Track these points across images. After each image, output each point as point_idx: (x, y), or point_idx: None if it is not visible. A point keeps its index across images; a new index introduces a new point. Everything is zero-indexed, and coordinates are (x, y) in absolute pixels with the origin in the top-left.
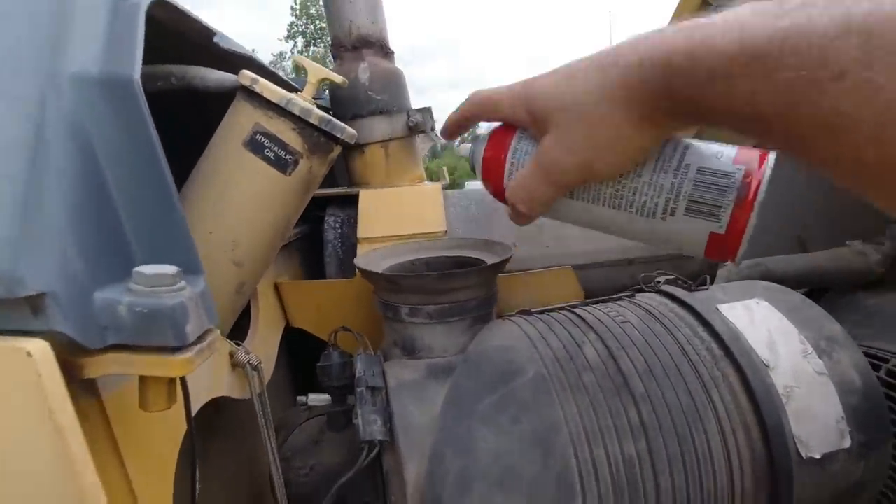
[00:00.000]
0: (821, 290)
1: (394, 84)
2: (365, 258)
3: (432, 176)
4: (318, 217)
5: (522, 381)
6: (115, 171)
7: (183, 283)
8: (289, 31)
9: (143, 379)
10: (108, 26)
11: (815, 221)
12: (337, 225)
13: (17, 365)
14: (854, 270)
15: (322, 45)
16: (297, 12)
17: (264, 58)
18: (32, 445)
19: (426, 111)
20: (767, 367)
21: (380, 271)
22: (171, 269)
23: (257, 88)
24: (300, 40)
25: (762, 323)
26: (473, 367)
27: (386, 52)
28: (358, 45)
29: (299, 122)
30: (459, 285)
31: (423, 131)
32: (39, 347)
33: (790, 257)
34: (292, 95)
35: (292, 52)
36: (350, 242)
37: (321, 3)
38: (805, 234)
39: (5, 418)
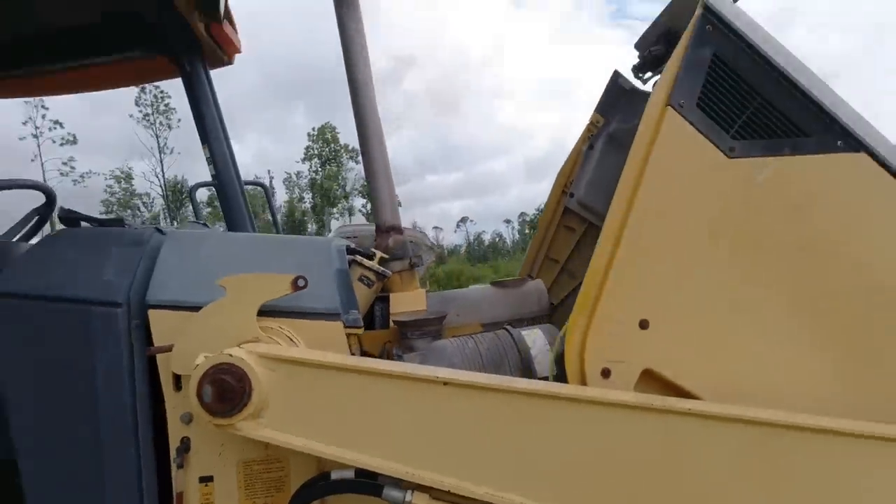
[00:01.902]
0: None
1: (402, 247)
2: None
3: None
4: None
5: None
6: None
7: None
8: (306, 152)
9: None
10: None
11: None
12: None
13: None
14: None
15: (335, 164)
16: (315, 136)
17: (279, 177)
18: None
19: (419, 242)
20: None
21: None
22: None
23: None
24: (316, 161)
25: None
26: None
27: (401, 230)
28: (388, 229)
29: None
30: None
31: (417, 265)
32: None
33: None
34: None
35: (309, 172)
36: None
37: (336, 128)
38: None
39: None
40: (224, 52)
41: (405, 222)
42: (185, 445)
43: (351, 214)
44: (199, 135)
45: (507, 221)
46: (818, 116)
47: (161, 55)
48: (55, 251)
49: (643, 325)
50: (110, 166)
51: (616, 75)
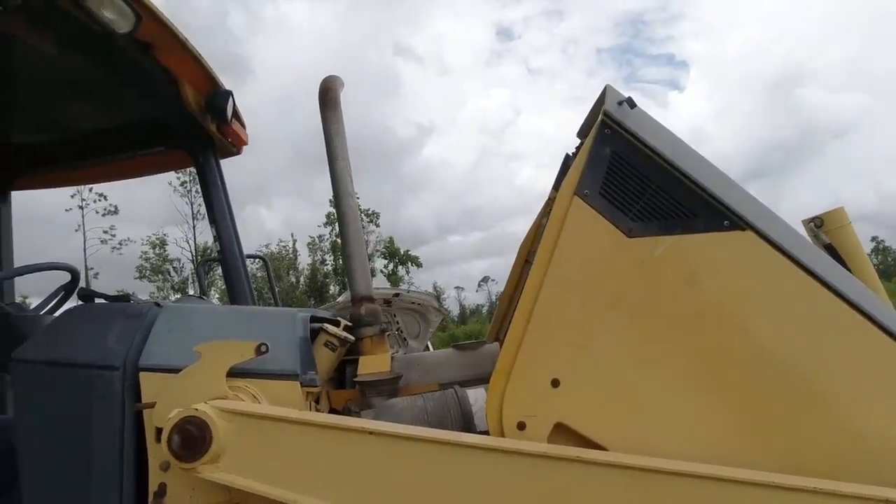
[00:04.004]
0: None
1: (373, 314)
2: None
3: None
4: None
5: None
6: None
7: None
8: (328, 218)
9: None
10: None
11: None
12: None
13: None
14: None
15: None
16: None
17: (302, 240)
18: None
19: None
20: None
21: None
22: None
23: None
24: (337, 225)
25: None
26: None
27: (373, 300)
28: (361, 299)
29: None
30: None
31: (386, 331)
32: None
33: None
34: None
35: (330, 235)
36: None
37: (357, 196)
38: None
39: None
40: (233, 145)
41: (426, 283)
42: (161, 490)
43: (373, 275)
44: (209, 216)
45: None
46: (704, 199)
47: (177, 150)
48: (70, 323)
49: (554, 383)
50: (148, 233)
51: (566, 158)
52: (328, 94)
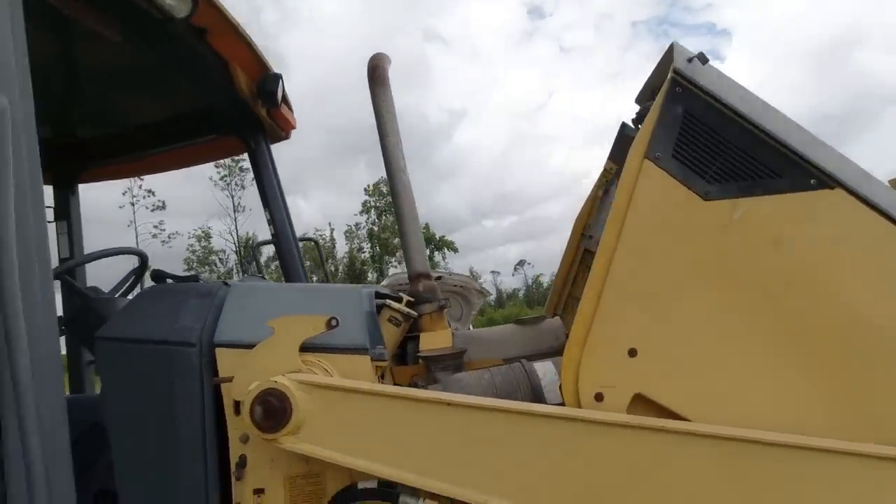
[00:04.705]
0: None
1: (431, 291)
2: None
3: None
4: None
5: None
6: None
7: None
8: (364, 206)
9: None
10: None
11: None
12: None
13: None
14: None
15: (391, 216)
16: (371, 190)
17: (340, 229)
18: None
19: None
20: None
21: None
22: None
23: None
24: (374, 213)
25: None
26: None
27: (429, 276)
28: (418, 276)
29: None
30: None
31: (445, 307)
32: None
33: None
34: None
35: (366, 223)
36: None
37: None
38: None
39: None
40: (282, 129)
41: (462, 268)
42: (242, 461)
43: None
44: (262, 200)
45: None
46: (788, 157)
47: (229, 136)
48: (146, 303)
49: (632, 353)
50: (193, 226)
51: (623, 126)
52: (376, 71)
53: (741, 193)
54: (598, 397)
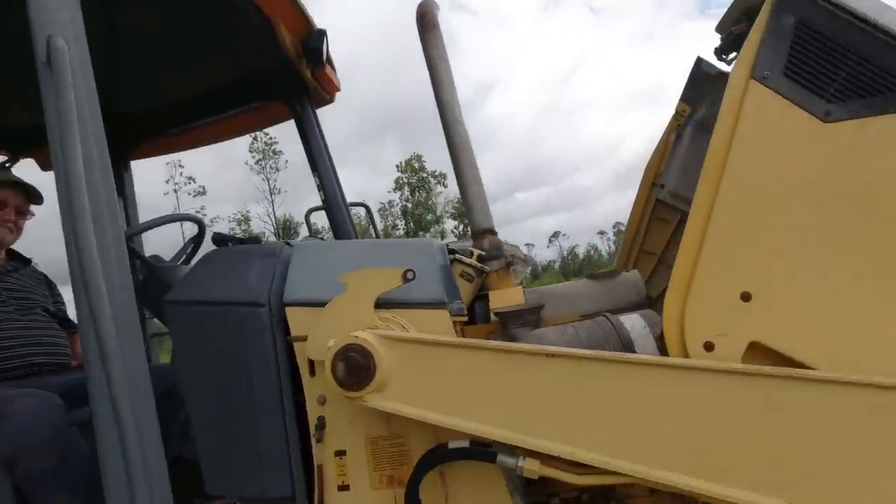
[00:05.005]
0: None
1: (497, 247)
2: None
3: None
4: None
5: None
6: None
7: None
8: (396, 183)
9: None
10: None
11: None
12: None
13: None
14: None
15: (424, 191)
16: (403, 167)
17: (373, 206)
18: None
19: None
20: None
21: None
22: None
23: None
24: (406, 189)
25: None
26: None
27: (494, 232)
28: (483, 232)
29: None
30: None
31: (513, 265)
32: None
33: None
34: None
35: (400, 201)
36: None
37: (422, 157)
38: None
39: None
40: (326, 91)
41: None
42: (321, 423)
43: (443, 237)
44: (310, 165)
45: (602, 233)
46: None
47: (275, 102)
48: (212, 265)
49: (745, 297)
50: (232, 211)
51: (699, 61)
52: (426, 18)
53: (869, 111)
54: (708, 347)
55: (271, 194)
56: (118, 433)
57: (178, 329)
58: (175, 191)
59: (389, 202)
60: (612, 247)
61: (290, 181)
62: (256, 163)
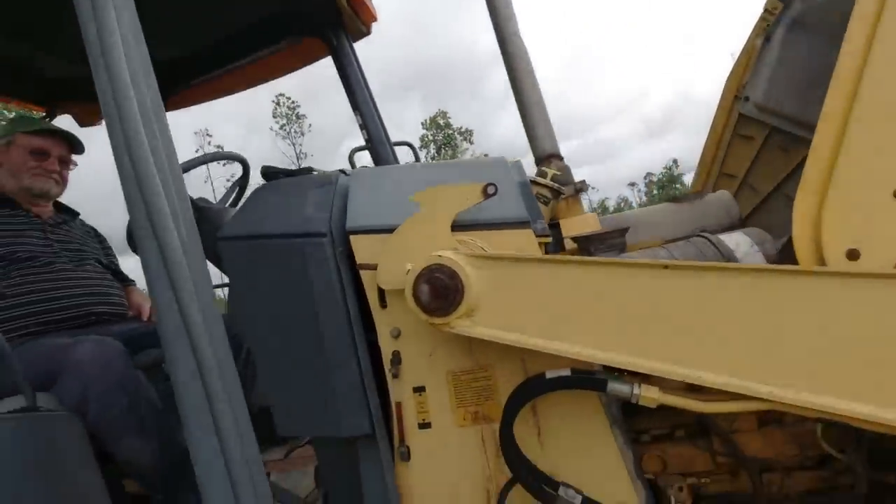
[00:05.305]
0: None
1: (565, 172)
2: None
3: None
4: None
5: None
6: None
7: None
8: (422, 140)
9: None
10: None
11: None
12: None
13: None
14: None
15: (450, 149)
16: (428, 124)
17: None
18: None
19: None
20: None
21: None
22: None
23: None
24: (432, 147)
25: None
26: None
27: (560, 157)
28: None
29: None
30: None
31: (582, 190)
32: None
33: None
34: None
35: (426, 159)
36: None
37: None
38: None
39: None
40: (363, 21)
41: None
42: (396, 358)
43: None
44: (350, 103)
45: (632, 184)
46: None
47: (309, 37)
48: (265, 199)
49: None
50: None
51: None
52: None
53: None
54: (852, 255)
55: (298, 159)
56: (200, 375)
57: (234, 267)
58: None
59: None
60: (644, 198)
61: (315, 145)
62: (281, 128)
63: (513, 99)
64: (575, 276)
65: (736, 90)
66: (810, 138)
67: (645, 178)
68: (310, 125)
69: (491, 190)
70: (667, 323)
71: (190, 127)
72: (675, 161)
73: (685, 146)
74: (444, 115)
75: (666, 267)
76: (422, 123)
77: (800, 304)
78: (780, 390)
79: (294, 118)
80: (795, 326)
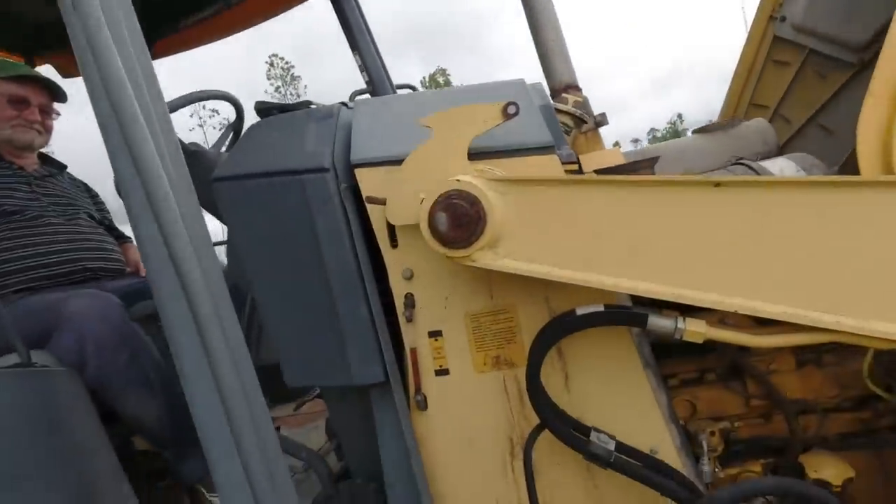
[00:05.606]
0: None
1: (582, 105)
2: None
3: None
4: None
5: None
6: None
7: None
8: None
9: None
10: None
11: None
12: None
13: None
14: None
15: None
16: (428, 82)
17: None
18: None
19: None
20: None
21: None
22: None
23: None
24: None
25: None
26: None
27: (578, 88)
28: (565, 87)
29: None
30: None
31: (602, 123)
32: None
33: None
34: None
35: None
36: None
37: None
38: None
39: None
40: None
41: None
42: (409, 300)
43: None
44: (349, 44)
45: (636, 140)
46: None
47: None
48: (261, 135)
49: None
50: None
51: None
52: None
53: None
54: None
55: None
56: (196, 326)
57: (230, 210)
58: (201, 126)
59: None
60: None
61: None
62: (276, 90)
63: (515, 58)
64: (612, 198)
65: (772, 9)
66: (852, 61)
67: (648, 133)
68: (305, 86)
69: (512, 110)
70: (717, 249)
71: (181, 92)
72: (679, 115)
73: (691, 99)
74: (443, 72)
75: (717, 185)
76: (421, 81)
77: (877, 219)
78: (849, 319)
79: (289, 79)
80: (869, 246)
